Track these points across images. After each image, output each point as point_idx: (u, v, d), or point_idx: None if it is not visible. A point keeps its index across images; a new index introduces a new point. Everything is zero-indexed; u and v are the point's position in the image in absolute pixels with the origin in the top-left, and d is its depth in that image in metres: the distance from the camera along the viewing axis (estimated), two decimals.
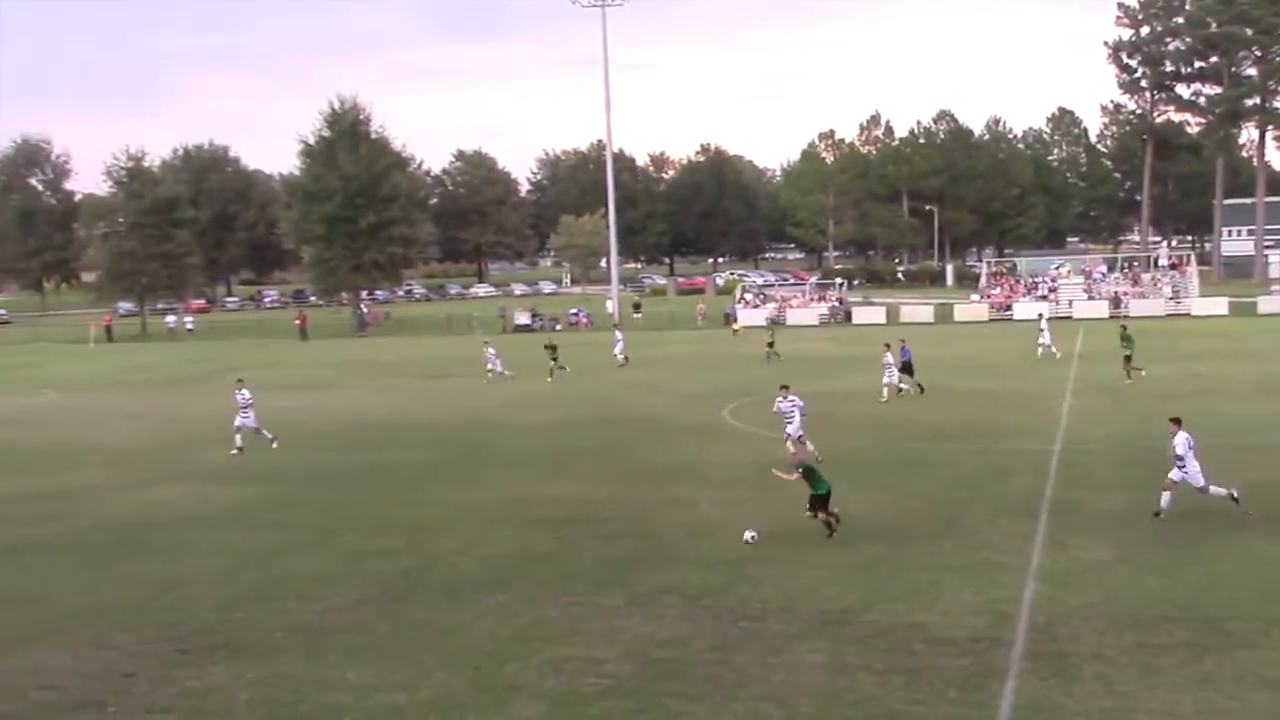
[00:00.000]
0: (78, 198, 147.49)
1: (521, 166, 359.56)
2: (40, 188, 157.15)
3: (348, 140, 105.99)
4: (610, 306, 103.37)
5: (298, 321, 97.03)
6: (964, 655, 16.75)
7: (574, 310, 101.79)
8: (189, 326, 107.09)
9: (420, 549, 23.94)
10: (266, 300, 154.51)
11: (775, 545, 22.98)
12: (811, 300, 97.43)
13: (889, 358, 44.17)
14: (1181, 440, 23.90)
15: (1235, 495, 23.86)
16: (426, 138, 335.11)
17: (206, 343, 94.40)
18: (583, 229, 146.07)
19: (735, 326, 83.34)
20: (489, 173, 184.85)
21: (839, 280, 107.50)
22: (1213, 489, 23.94)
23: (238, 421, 37.53)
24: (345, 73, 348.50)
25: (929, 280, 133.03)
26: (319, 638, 18.51)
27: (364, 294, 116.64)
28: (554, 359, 55.62)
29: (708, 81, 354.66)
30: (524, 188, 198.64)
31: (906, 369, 44.98)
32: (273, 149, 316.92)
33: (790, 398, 32.64)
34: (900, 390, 43.93)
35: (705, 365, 59.35)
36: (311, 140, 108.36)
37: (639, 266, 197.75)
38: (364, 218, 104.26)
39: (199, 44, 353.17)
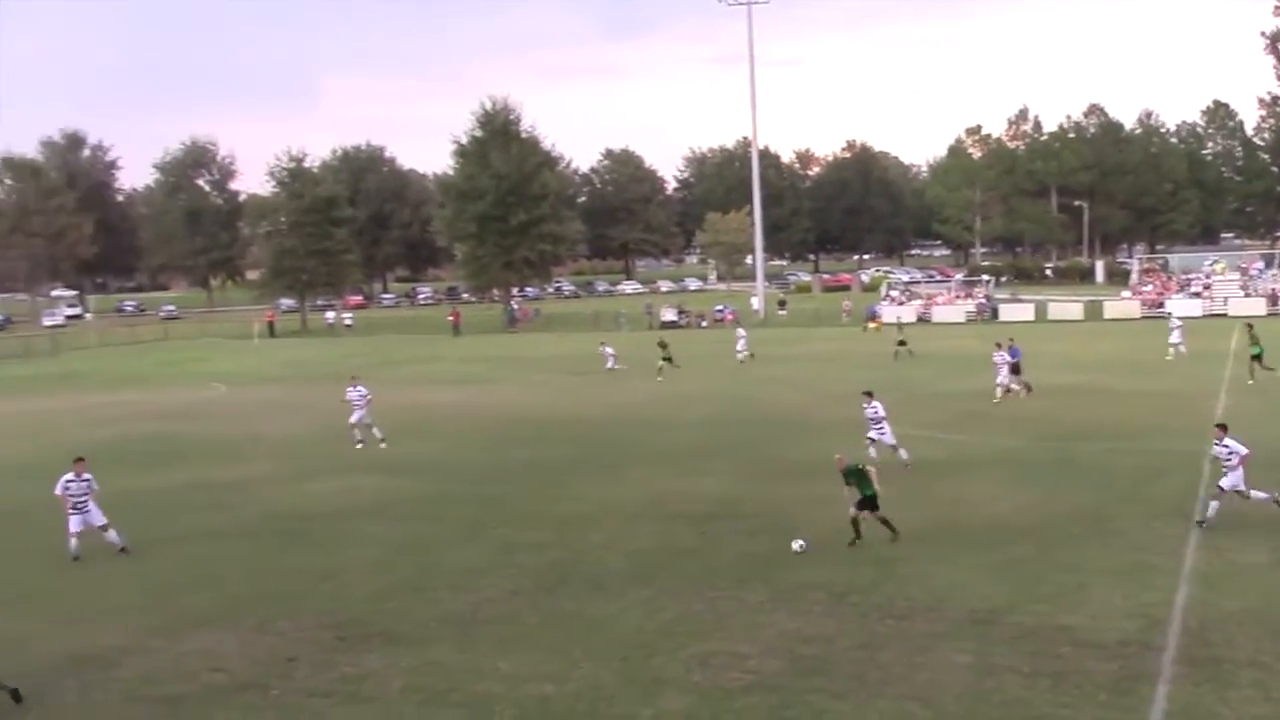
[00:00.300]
0: (242, 198, 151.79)
1: (668, 164, 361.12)
2: (207, 188, 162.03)
3: (499, 140, 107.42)
4: (755, 303, 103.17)
5: (451, 318, 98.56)
6: (1113, 659, 16.42)
7: (719, 307, 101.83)
8: (347, 322, 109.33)
9: (568, 542, 24.20)
10: (421, 297, 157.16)
11: (921, 544, 22.75)
12: (957, 297, 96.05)
13: (999, 357, 43.39)
14: (1236, 445, 23.33)
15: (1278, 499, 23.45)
16: (575, 136, 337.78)
17: (363, 338, 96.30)
18: (728, 226, 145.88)
19: (870, 324, 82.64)
20: (636, 170, 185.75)
21: (985, 277, 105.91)
22: (1254, 494, 23.41)
23: (354, 417, 37.97)
24: (497, 73, 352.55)
25: (1078, 277, 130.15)
26: (471, 628, 18.83)
27: (514, 291, 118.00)
28: (666, 357, 55.38)
29: (854, 77, 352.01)
30: (671, 185, 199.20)
31: (1014, 369, 44.03)
32: (427, 149, 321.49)
33: (873, 404, 31.33)
34: (1009, 391, 43.08)
35: (849, 363, 58.86)
36: (464, 140, 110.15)
37: (784, 263, 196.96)
38: (515, 216, 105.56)
39: (358, 47, 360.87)
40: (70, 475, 24.46)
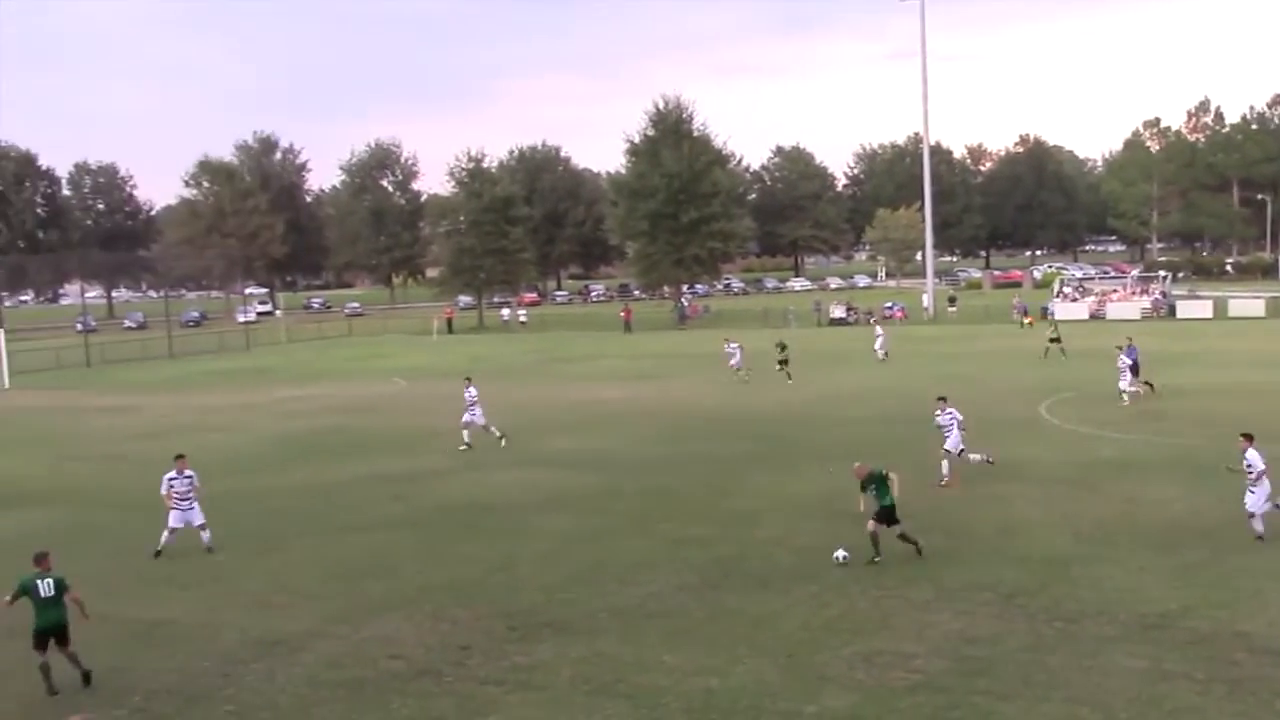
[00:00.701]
0: (424, 198, 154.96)
1: (839, 161, 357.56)
2: (390, 189, 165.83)
3: (671, 138, 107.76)
4: (925, 300, 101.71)
5: (622, 314, 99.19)
6: None
7: (889, 304, 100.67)
8: (521, 319, 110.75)
9: (735, 538, 24.19)
10: (593, 294, 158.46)
11: (1092, 545, 22.24)
12: (1133, 294, 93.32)
13: (1124, 360, 42.03)
14: (1255, 457, 22.38)
15: None
16: (746, 134, 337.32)
17: (537, 334, 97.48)
18: (898, 222, 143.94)
19: (1025, 320, 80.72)
20: (806, 167, 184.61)
21: (1162, 273, 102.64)
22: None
23: (465, 418, 37.96)
24: (670, 72, 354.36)
25: (1260, 273, 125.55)
26: (638, 621, 18.96)
27: (684, 288, 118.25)
28: (782, 359, 53.73)
29: (1027, 70, 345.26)
30: (841, 182, 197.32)
31: (1134, 369, 42.46)
32: (601, 149, 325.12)
33: (948, 411, 29.76)
34: (1138, 392, 41.70)
35: (1020, 360, 57.64)
36: (637, 139, 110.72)
37: (954, 260, 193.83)
38: (685, 214, 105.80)
39: (534, 50, 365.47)
40: (173, 473, 25.03)
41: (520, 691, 16.15)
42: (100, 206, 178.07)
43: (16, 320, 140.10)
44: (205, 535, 24.95)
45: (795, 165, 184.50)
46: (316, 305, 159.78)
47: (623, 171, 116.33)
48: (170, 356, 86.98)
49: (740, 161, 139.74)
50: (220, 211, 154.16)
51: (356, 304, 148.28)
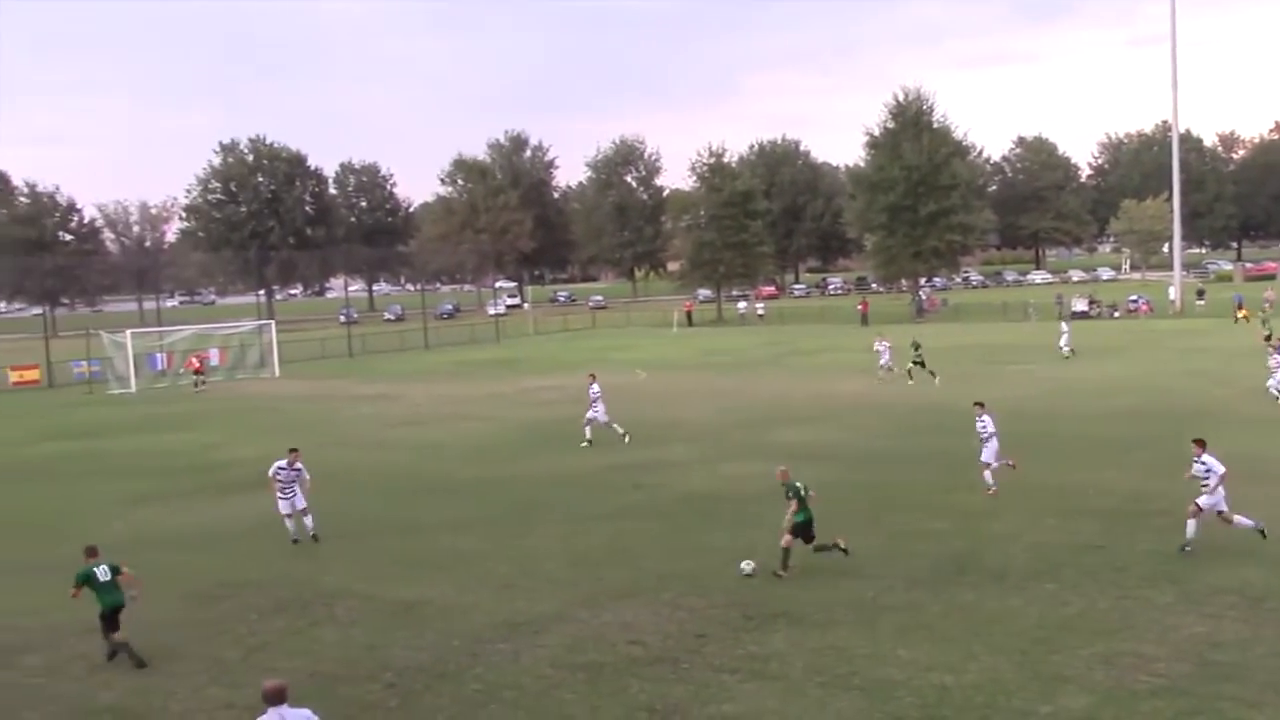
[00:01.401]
0: (665, 193, 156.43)
1: (1082, 150, 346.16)
2: (634, 184, 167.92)
3: (911, 131, 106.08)
4: (1172, 293, 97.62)
5: (860, 307, 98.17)
6: None
7: (1133, 297, 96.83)
8: (759, 312, 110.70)
9: (969, 533, 23.73)
10: (831, 287, 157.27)
11: None
12: None
13: (1277, 359, 39.34)
14: (1213, 462, 21.20)
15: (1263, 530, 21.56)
16: (986, 124, 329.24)
17: (774, 327, 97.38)
18: (1144, 213, 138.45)
19: (1240, 313, 76.51)
20: (1049, 158, 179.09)
21: None
22: (1236, 518, 21.31)
23: (589, 415, 37.97)
24: (909, 64, 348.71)
25: None
26: (872, 614, 18.77)
27: (922, 281, 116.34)
28: (916, 360, 51.47)
29: None
30: (1084, 172, 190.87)
31: None
32: (839, 141, 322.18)
33: (984, 417, 28.42)
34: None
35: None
36: (876, 132, 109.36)
37: (1203, 251, 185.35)
38: (924, 206, 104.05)
39: (774, 44, 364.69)
40: (283, 463, 25.90)
41: (755, 681, 16.17)
42: (363, 204, 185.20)
43: (286, 312, 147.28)
44: (309, 520, 25.80)
45: (1037, 155, 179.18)
46: (562, 298, 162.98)
47: (861, 164, 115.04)
48: (425, 348, 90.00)
49: (980, 153, 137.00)
50: (473, 208, 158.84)
51: (600, 297, 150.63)
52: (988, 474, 27.80)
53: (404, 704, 15.96)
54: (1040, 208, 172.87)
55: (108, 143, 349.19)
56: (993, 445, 28.08)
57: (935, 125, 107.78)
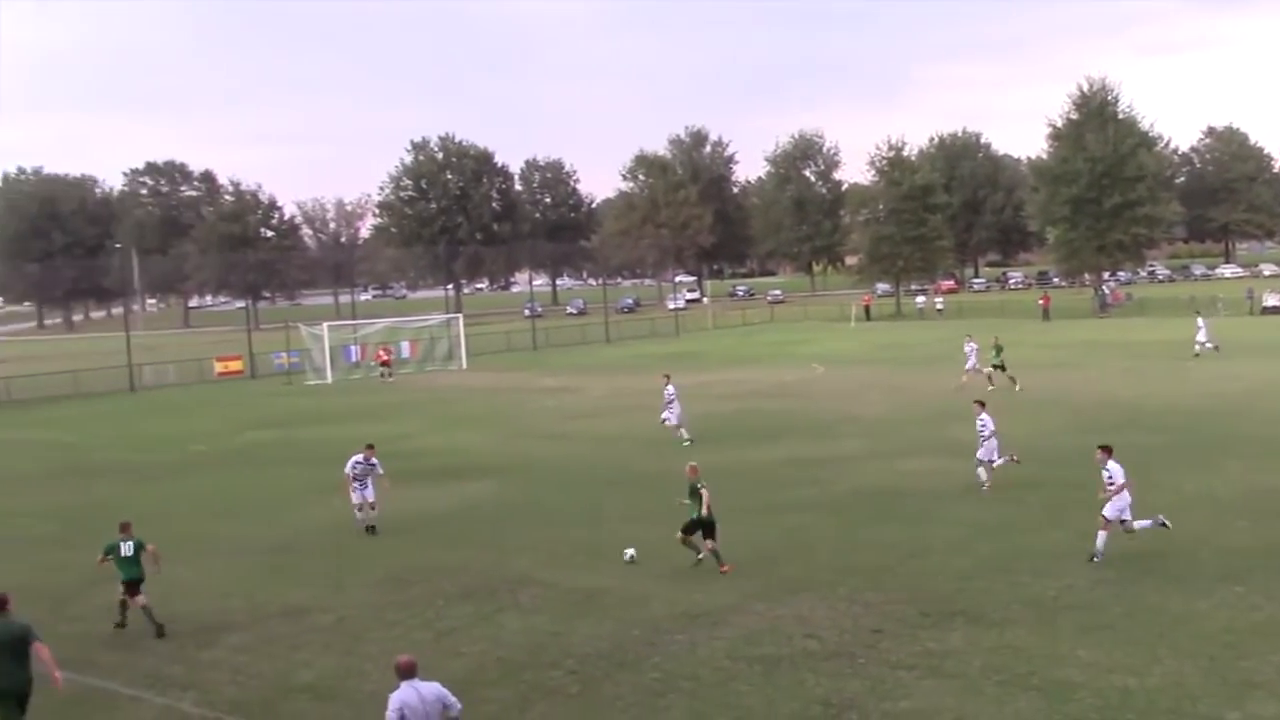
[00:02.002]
0: (844, 187, 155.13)
1: (1277, 140, 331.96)
2: (812, 178, 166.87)
3: (1095, 121, 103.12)
4: None
5: (1041, 302, 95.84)
6: None
7: None
8: (938, 307, 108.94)
9: (1155, 533, 22.88)
10: (1011, 281, 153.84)
11: None
12: None
13: None
14: (1119, 470, 20.78)
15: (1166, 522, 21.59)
16: (1174, 114, 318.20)
17: (953, 322, 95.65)
18: None
19: None
20: (1240, 148, 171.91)
21: None
22: (1138, 524, 20.95)
23: (664, 415, 38.00)
24: (1092, 54, 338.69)
25: None
26: (1052, 613, 18.36)
27: (1106, 274, 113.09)
28: (997, 363, 48.28)
29: None
30: (1278, 163, 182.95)
31: None
32: (1020, 134, 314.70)
33: (983, 416, 27.84)
34: None
35: None
36: (1059, 123, 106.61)
37: None
38: (1109, 198, 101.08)
39: (954, 35, 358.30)
40: (359, 457, 26.62)
41: (931, 678, 15.97)
42: (547, 200, 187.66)
43: (473, 306, 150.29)
44: (372, 513, 26.46)
45: (1227, 146, 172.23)
46: (741, 293, 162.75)
47: (1044, 156, 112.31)
48: (606, 341, 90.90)
49: (1167, 143, 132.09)
50: (654, 203, 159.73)
51: (778, 291, 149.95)
52: (982, 470, 27.74)
53: (584, 691, 16.19)
54: (1231, 199, 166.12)
55: (307, 142, 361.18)
56: (992, 444, 27.96)
57: (1120, 116, 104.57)
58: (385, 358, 70.50)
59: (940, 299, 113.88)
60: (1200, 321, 58.70)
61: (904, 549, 22.58)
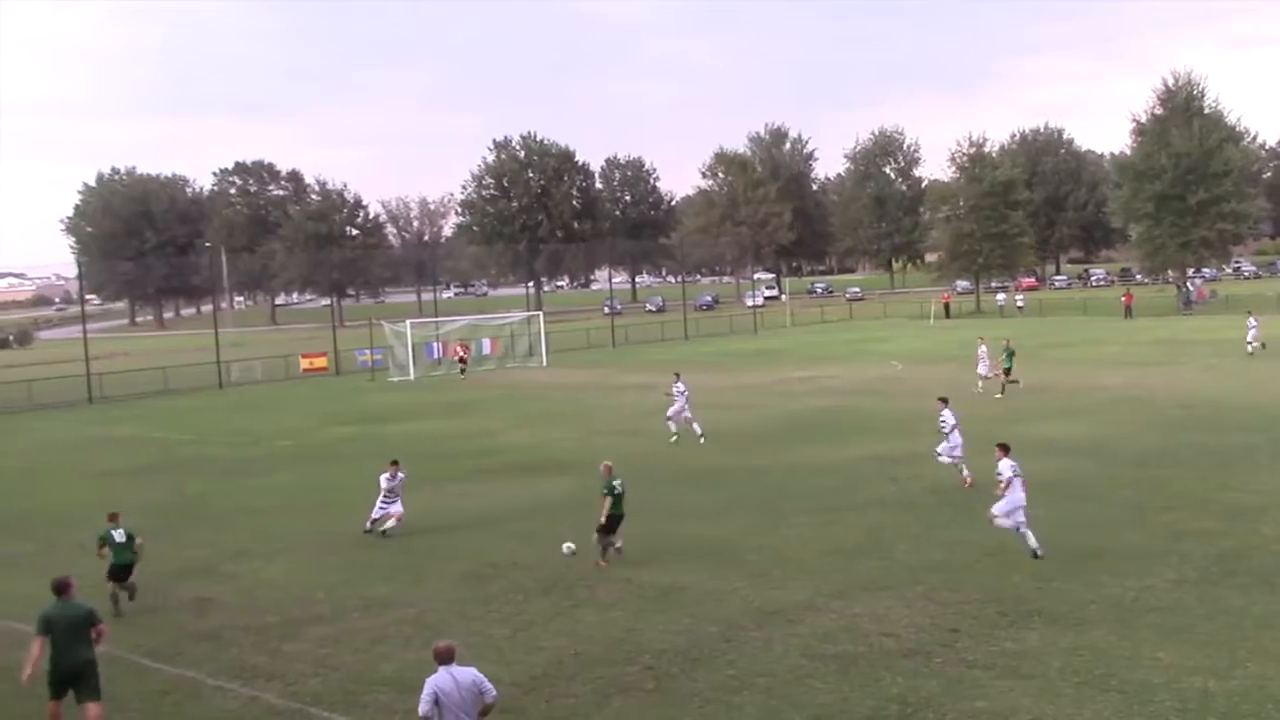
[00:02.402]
0: (924, 183, 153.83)
1: None
2: (892, 175, 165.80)
3: (1180, 117, 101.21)
4: None
5: (1124, 299, 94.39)
6: None
7: None
8: (1019, 304, 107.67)
9: (1238, 533, 22.59)
10: (1093, 279, 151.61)
11: None
12: None
13: None
14: (1007, 467, 21.63)
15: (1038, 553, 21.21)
16: (1261, 109, 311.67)
17: (1034, 320, 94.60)
18: None
19: None
20: None
21: None
22: (1022, 530, 21.39)
23: (677, 409, 38.34)
24: (1178, 47, 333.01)
25: None
26: (1131, 614, 18.08)
27: (1190, 272, 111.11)
28: (1007, 366, 46.77)
29: None
30: None
31: None
32: (1104, 129, 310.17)
33: (944, 412, 28.50)
34: None
35: None
36: (1143, 118, 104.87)
37: None
38: (1193, 195, 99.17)
39: (1038, 30, 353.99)
40: (387, 474, 26.72)
41: (1008, 678, 15.80)
42: (627, 198, 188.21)
43: (553, 303, 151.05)
44: (393, 524, 26.54)
45: None
46: (819, 290, 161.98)
47: (1127, 152, 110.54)
48: (685, 338, 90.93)
49: (1255, 138, 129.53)
50: (733, 200, 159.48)
51: (857, 289, 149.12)
52: (945, 460, 28.65)
53: (660, 687, 16.22)
54: None
55: (391, 142, 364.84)
56: (954, 439, 28.57)
57: (1206, 111, 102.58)
58: (462, 353, 71.15)
59: (1021, 296, 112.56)
60: (1251, 320, 58.16)
61: (981, 547, 22.35)
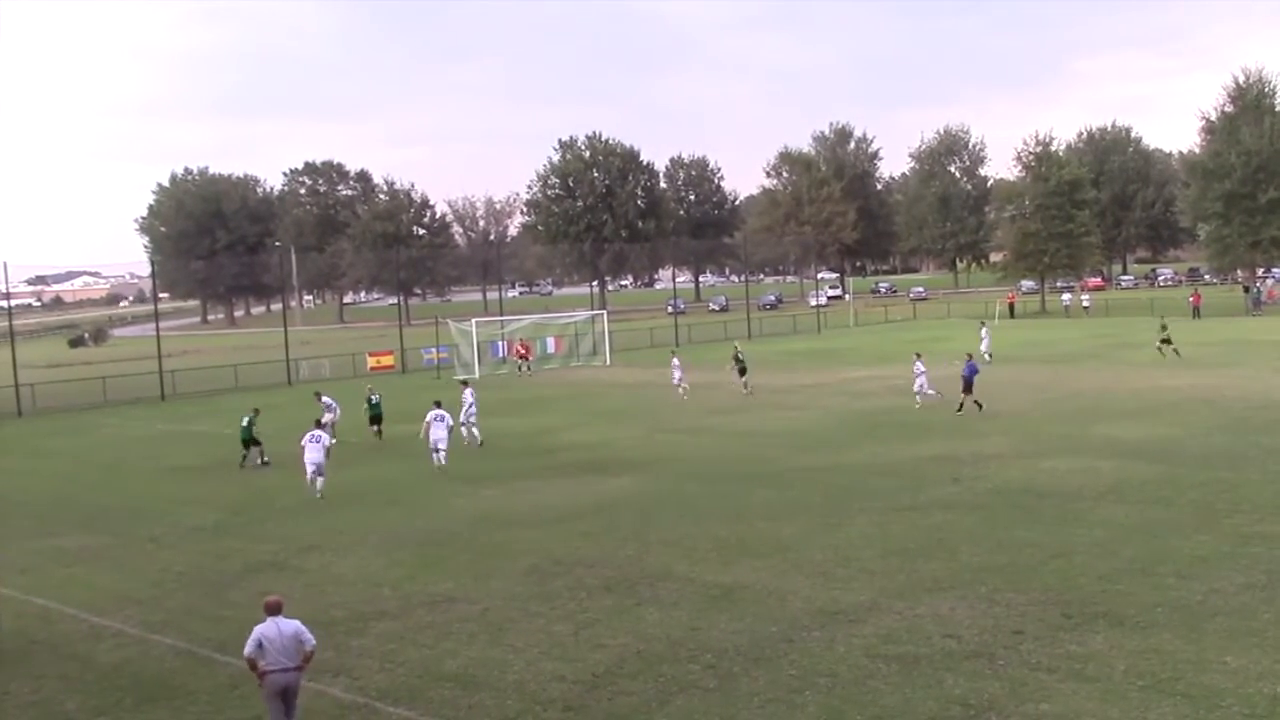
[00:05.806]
0: (990, 183, 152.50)
1: None
2: (957, 174, 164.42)
3: (1251, 114, 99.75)
4: None
5: (1191, 299, 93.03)
6: None
7: None
8: (1085, 304, 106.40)
9: None
10: (1161, 278, 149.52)
11: None
12: None
13: None
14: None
15: None
16: None
17: (1100, 320, 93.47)
18: None
19: None
20: None
21: None
22: None
23: (462, 417, 39.76)
24: (1251, 44, 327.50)
25: None
26: (1198, 618, 17.82)
27: (1260, 272, 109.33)
28: (1165, 339, 46.32)
29: None
30: None
31: None
32: (1173, 127, 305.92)
33: (917, 364, 34.76)
34: None
35: None
36: (1213, 116, 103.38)
37: None
38: (1264, 194, 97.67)
39: (1106, 28, 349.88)
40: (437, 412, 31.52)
41: (1073, 681, 15.62)
42: (691, 197, 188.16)
43: (617, 302, 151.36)
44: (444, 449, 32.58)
45: None
46: (883, 290, 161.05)
47: (1196, 150, 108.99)
48: (749, 338, 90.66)
49: None
50: (797, 200, 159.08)
51: (921, 289, 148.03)
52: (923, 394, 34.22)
53: (722, 685, 16.19)
54: None
55: (458, 141, 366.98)
56: (922, 381, 40.31)
57: (1278, 108, 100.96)
58: (523, 351, 71.51)
59: (1087, 296, 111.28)
60: None
61: (1046, 549, 22.12)
